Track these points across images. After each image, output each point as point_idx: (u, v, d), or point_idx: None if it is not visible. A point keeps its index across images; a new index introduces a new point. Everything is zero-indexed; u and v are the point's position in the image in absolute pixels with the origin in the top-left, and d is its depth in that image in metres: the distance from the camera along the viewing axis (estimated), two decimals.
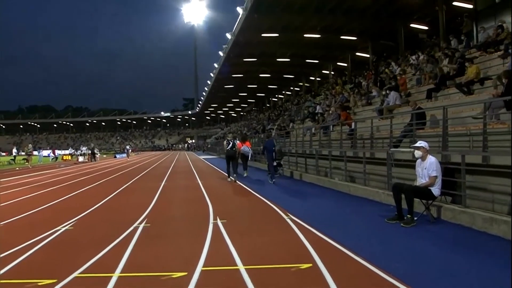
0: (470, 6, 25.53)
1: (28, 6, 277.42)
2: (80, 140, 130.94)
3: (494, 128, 10.21)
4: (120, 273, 5.94)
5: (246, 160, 21.97)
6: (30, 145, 44.46)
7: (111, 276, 5.76)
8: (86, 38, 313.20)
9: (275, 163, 18.94)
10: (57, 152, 62.28)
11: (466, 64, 16.20)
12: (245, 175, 21.40)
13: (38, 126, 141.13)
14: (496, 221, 7.51)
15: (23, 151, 52.94)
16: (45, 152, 59.32)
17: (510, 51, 14.86)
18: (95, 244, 7.53)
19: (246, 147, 20.81)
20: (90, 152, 53.81)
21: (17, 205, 13.22)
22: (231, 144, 19.84)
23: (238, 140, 21.34)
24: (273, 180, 18.36)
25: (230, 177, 19.87)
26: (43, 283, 5.57)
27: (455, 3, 26.79)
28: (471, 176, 9.29)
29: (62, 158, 56.84)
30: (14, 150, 56.10)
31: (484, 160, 8.91)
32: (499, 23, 18.48)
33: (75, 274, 5.89)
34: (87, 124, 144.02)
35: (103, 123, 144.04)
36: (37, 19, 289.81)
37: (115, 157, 62.61)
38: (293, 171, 21.86)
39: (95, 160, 50.07)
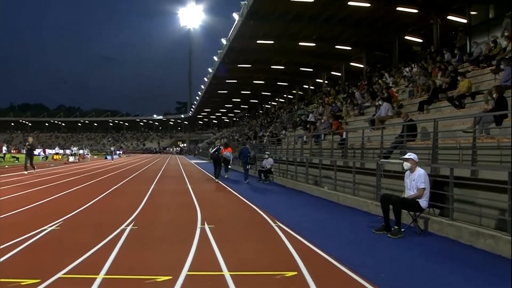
0: (464, 21, 25.75)
1: (24, 9, 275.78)
2: (71, 140, 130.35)
3: (484, 142, 10.26)
4: (105, 275, 5.88)
5: (227, 163, 24.87)
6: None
7: (96, 278, 5.70)
8: (81, 41, 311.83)
9: (249, 166, 23.18)
10: (48, 151, 61.86)
11: (459, 78, 16.30)
12: (226, 176, 24.60)
13: (30, 124, 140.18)
14: (482, 235, 7.53)
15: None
16: (35, 151, 58.96)
17: (501, 66, 14.97)
18: (81, 245, 7.47)
19: (227, 152, 23.92)
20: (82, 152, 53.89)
21: (3, 203, 13.04)
22: (215, 149, 24.05)
23: (222, 147, 24.67)
24: (247, 180, 21.83)
25: (216, 179, 22.49)
26: (26, 283, 5.50)
27: (449, 17, 27.04)
28: (459, 190, 9.32)
29: (52, 158, 56.53)
30: (4, 148, 55.84)
31: (473, 174, 8.95)
32: (492, 39, 18.62)
33: (59, 274, 5.82)
34: (79, 124, 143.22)
35: (95, 124, 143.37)
36: (33, 22, 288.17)
37: (106, 158, 62.31)
38: (283, 178, 21.89)
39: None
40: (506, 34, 17.63)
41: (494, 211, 8.68)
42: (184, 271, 6.03)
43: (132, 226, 9.41)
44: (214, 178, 23.01)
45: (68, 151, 60.01)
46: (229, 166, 25.75)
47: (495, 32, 21.11)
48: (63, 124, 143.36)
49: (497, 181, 8.00)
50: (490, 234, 7.40)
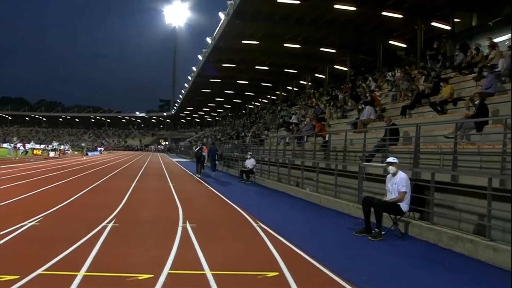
0: (448, 28, 26.00)
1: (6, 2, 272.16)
2: (52, 135, 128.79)
3: (464, 148, 10.38)
4: (86, 272, 5.86)
5: (205, 161, 26.85)
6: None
7: (76, 275, 5.67)
8: (64, 35, 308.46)
9: (216, 162, 27.49)
10: (28, 146, 61.02)
11: (441, 84, 16.47)
12: (212, 174, 25.79)
13: (10, 118, 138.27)
14: (461, 239, 7.64)
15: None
16: (11, 145, 57.95)
17: (483, 73, 15.16)
18: (61, 241, 7.41)
19: (204, 152, 26.55)
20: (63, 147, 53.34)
21: None
22: (198, 148, 27.60)
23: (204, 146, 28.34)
24: (214, 173, 25.53)
25: (199, 173, 25.36)
26: (4, 278, 5.44)
27: (433, 24, 27.29)
28: (440, 194, 9.44)
29: (32, 153, 55.84)
30: None
31: (453, 179, 9.06)
32: (475, 46, 18.84)
33: (39, 271, 5.78)
34: (60, 119, 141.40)
35: (77, 120, 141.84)
36: (15, 14, 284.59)
37: (87, 154, 61.72)
38: (265, 179, 21.92)
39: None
40: (487, 42, 17.85)
41: (473, 216, 8.81)
42: (166, 270, 6.03)
43: (114, 223, 9.38)
44: (196, 174, 25.38)
45: (49, 147, 59.18)
46: (205, 164, 27.28)
47: (478, 39, 21.36)
48: (44, 119, 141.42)
49: (477, 187, 8.11)
50: (469, 239, 7.51)
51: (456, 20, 25.84)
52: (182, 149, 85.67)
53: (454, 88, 15.70)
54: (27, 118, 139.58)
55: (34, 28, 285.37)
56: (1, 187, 15.72)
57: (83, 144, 69.01)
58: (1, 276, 5.52)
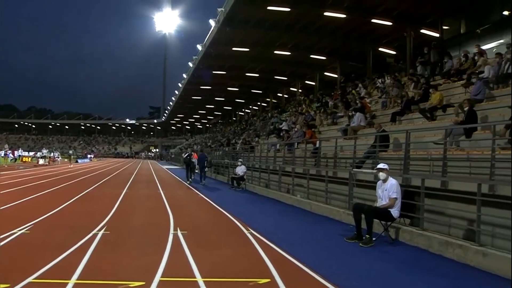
0: (437, 35, 26.24)
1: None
2: (41, 142, 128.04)
3: (454, 154, 10.46)
4: (77, 279, 5.83)
5: (195, 167, 27.44)
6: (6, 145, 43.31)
7: (67, 283, 5.64)
8: (55, 41, 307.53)
9: (206, 169, 27.40)
10: (17, 153, 60.64)
11: (430, 90, 16.58)
12: (202, 182, 25.57)
13: None
14: (451, 245, 7.69)
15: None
16: (1, 152, 57.62)
17: (473, 80, 15.29)
18: (51, 249, 7.37)
19: (193, 158, 27.16)
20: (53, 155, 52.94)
21: None
22: (187, 154, 28.06)
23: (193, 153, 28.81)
24: (203, 182, 25.26)
25: (189, 180, 25.90)
26: None
27: (422, 31, 27.51)
28: (430, 200, 9.49)
29: (22, 160, 55.54)
30: None
31: (443, 184, 9.12)
32: (463, 53, 19.01)
33: (30, 279, 5.74)
34: (50, 126, 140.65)
35: (67, 127, 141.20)
36: (4, 21, 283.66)
37: (77, 161, 61.43)
38: (256, 186, 21.91)
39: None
40: (476, 50, 18.02)
41: (462, 222, 8.88)
42: (157, 277, 6.01)
43: (104, 230, 9.33)
44: (186, 181, 25.96)
45: (38, 154, 58.86)
46: (196, 171, 27.91)
47: (466, 46, 21.58)
48: (33, 126, 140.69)
49: (466, 192, 8.17)
50: (459, 244, 7.56)
51: (444, 27, 26.14)
52: (173, 156, 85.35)
53: (444, 95, 15.82)
54: (16, 125, 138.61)
55: (22, 33, 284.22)
56: None
57: (70, 152, 68.16)
58: None
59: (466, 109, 11.94)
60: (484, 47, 18.65)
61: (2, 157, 53.13)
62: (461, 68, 18.02)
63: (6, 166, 41.39)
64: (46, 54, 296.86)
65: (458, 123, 11.81)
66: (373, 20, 27.17)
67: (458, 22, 25.84)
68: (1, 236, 8.26)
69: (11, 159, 53.27)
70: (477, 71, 16.06)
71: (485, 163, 8.48)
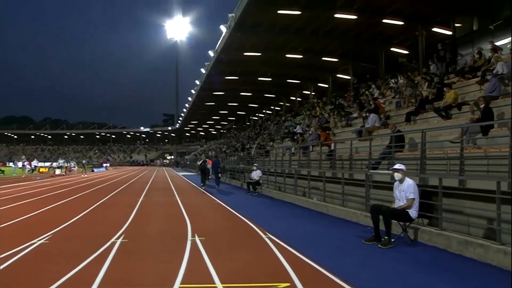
0: (449, 33, 26.06)
1: (9, 17, 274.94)
2: (57, 152, 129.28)
3: (471, 152, 10.38)
4: None
5: (209, 173, 27.57)
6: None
7: None
8: (68, 52, 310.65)
9: (220, 175, 28.02)
10: (33, 163, 61.18)
11: (445, 89, 16.45)
12: (217, 188, 26.30)
13: (15, 137, 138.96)
14: (471, 244, 7.61)
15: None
16: (19, 164, 58.20)
17: (487, 77, 15.16)
18: (71, 258, 7.41)
19: (208, 165, 27.37)
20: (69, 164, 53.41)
21: None
22: (202, 161, 28.16)
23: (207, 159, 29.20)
24: (218, 186, 26.15)
25: (203, 185, 26.03)
26: None
27: (434, 29, 27.33)
28: (448, 199, 9.39)
29: (39, 170, 56.03)
30: None
31: (461, 183, 9.04)
32: (477, 50, 18.86)
33: None
34: (65, 136, 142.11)
35: (82, 136, 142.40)
36: (20, 30, 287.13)
37: (93, 170, 61.84)
38: (272, 190, 21.89)
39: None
40: (490, 46, 17.88)
41: (482, 220, 8.76)
42: (177, 284, 6.03)
43: (123, 238, 9.36)
44: (201, 186, 26.13)
45: (54, 164, 59.36)
46: (211, 177, 28.21)
47: (479, 44, 21.41)
48: (49, 136, 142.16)
49: (485, 191, 8.07)
50: (479, 243, 7.47)
51: (457, 25, 25.93)
52: (188, 162, 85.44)
53: (458, 93, 15.70)
54: (32, 137, 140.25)
55: (32, 44, 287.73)
56: (9, 206, 15.79)
57: (83, 161, 68.27)
58: None
59: (482, 106, 11.85)
60: (498, 43, 18.50)
61: (20, 168, 53.67)
62: (475, 66, 17.88)
63: (24, 177, 41.83)
64: (59, 65, 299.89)
65: (474, 121, 11.69)
66: (384, 20, 27.10)
67: (470, 19, 25.66)
68: (21, 247, 8.33)
69: (28, 170, 53.77)
70: (491, 68, 15.93)
71: (503, 161, 8.39)
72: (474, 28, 25.33)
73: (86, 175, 46.68)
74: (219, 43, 35.99)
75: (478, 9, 24.61)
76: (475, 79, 16.70)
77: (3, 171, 47.77)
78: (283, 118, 49.89)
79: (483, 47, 19.31)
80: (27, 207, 15.44)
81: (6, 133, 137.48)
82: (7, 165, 71.01)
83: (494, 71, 15.08)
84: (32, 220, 12.52)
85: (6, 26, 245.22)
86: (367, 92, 27.60)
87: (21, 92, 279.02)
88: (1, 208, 15.09)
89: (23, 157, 48.59)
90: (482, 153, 9.97)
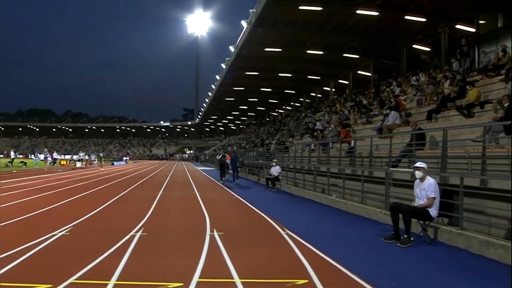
0: (473, 30, 25.69)
1: (33, 13, 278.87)
2: (78, 145, 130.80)
3: (493, 152, 10.25)
4: (116, 280, 5.95)
5: (228, 167, 29.20)
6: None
7: (107, 284, 5.78)
8: (90, 47, 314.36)
9: (239, 169, 29.13)
10: (55, 156, 62.03)
11: (467, 87, 16.25)
12: (235, 182, 27.44)
13: (37, 129, 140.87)
14: (492, 245, 7.53)
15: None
16: (41, 156, 59.03)
17: (511, 75, 14.94)
18: (91, 251, 7.54)
19: (227, 159, 29.01)
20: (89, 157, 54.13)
21: (13, 208, 13.18)
22: (221, 155, 30.09)
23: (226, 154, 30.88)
24: (237, 181, 27.40)
25: (222, 179, 27.57)
26: (38, 287, 5.56)
27: (458, 26, 26.98)
28: (469, 199, 9.29)
29: (60, 163, 56.79)
30: (12, 153, 56.20)
31: (482, 183, 8.94)
32: (501, 48, 18.58)
33: (71, 280, 5.89)
34: (86, 130, 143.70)
35: (102, 130, 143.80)
36: (42, 26, 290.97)
37: (113, 164, 62.46)
38: (291, 186, 21.89)
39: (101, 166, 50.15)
40: None
41: (503, 221, 8.66)
42: (195, 278, 6.08)
43: (142, 232, 9.48)
44: (220, 181, 27.49)
45: (75, 157, 60.12)
46: (230, 171, 29.69)
47: (503, 41, 21.07)
48: (70, 129, 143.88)
49: (507, 191, 7.97)
50: (501, 244, 7.39)
51: (481, 22, 25.51)
52: (207, 157, 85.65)
53: (481, 91, 15.51)
54: (54, 129, 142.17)
55: (55, 41, 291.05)
56: (30, 198, 16.09)
57: (101, 154, 68.54)
58: (35, 285, 5.66)
59: (505, 105, 11.69)
60: None
61: (42, 160, 54.46)
62: (499, 63, 17.62)
63: (46, 169, 42.45)
64: (81, 60, 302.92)
65: (498, 119, 11.55)
66: (406, 17, 26.86)
67: (495, 16, 25.21)
68: (43, 238, 8.53)
69: (50, 162, 54.53)
70: None
71: None
72: (499, 25, 24.89)
73: (103, 168, 47.00)
74: (239, 38, 35.95)
75: (503, 6, 24.19)
76: (499, 77, 16.47)
77: (25, 163, 48.51)
78: (303, 114, 49.71)
79: (507, 44, 19.02)
80: (49, 199, 15.73)
81: (28, 126, 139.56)
82: (29, 157, 72.06)
83: None
84: (54, 212, 12.76)
85: (29, 24, 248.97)
86: (388, 89, 27.38)
87: (44, 86, 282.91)
88: (23, 200, 15.39)
89: (45, 149, 49.21)
90: (505, 153, 9.82)
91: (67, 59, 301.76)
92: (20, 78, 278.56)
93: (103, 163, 55.09)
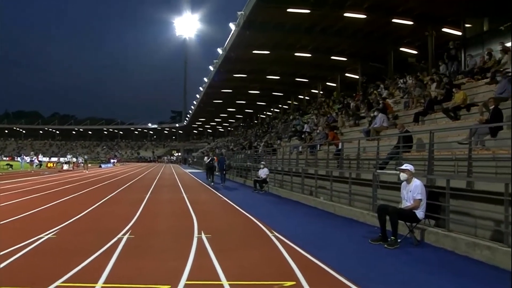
0: (459, 33, 25.94)
1: (33, 13, 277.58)
2: (65, 147, 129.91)
3: (479, 154, 10.32)
4: (103, 283, 5.91)
5: (215, 171, 28.89)
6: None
7: (94, 286, 5.74)
8: (76, 49, 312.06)
9: (225, 172, 28.93)
10: (40, 158, 61.56)
11: (454, 90, 16.38)
12: (222, 184, 27.27)
13: (24, 132, 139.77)
14: (478, 246, 7.58)
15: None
16: (27, 158, 58.55)
17: (497, 78, 15.07)
18: (78, 253, 7.48)
19: (215, 162, 29.19)
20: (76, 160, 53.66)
21: None
22: (210, 159, 29.88)
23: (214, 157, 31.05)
24: (224, 183, 27.24)
25: (211, 183, 27.09)
26: None
27: (444, 30, 27.23)
28: (455, 201, 9.35)
29: (46, 165, 56.38)
30: None
31: (468, 185, 9.00)
32: (487, 51, 18.75)
33: (57, 283, 5.84)
34: (73, 132, 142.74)
35: (90, 132, 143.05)
36: (42, 26, 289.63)
37: (101, 166, 62.13)
38: (279, 188, 21.90)
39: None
40: (500, 48, 17.78)
41: (489, 222, 8.74)
42: (183, 280, 6.05)
43: (129, 235, 9.42)
44: (210, 183, 27.06)
45: (62, 159, 59.73)
46: (217, 173, 29.34)
47: (489, 44, 21.28)
48: (57, 131, 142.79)
49: (493, 193, 8.05)
50: (487, 245, 7.44)
51: (467, 25, 25.78)
52: (195, 159, 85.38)
53: (467, 94, 15.63)
54: (40, 132, 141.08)
55: (43, 40, 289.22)
56: (16, 200, 15.93)
57: (85, 157, 67.61)
58: None
59: (491, 107, 11.79)
60: (508, 44, 18.36)
61: (28, 163, 54.04)
62: (485, 66, 17.78)
63: (32, 172, 42.12)
64: (66, 61, 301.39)
65: (483, 122, 11.65)
66: (394, 20, 27.06)
67: (481, 20, 25.47)
68: (29, 241, 8.42)
69: (36, 165, 54.13)
70: (501, 69, 15.84)
71: None
72: (485, 29, 25.14)
73: (87, 171, 45.87)
74: (228, 40, 36.04)
75: (489, 10, 24.42)
76: (485, 80, 16.62)
77: (11, 166, 48.12)
78: (291, 117, 49.78)
79: (493, 48, 19.20)
80: (35, 202, 15.59)
81: (14, 128, 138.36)
82: (16, 159, 71.47)
83: (506, 70, 14.98)
84: (40, 214, 12.65)
85: (15, 25, 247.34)
86: (375, 92, 27.53)
87: (30, 88, 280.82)
88: (9, 202, 15.21)
89: (32, 152, 48.78)
90: (490, 155, 9.92)
91: (51, 60, 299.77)
92: (6, 79, 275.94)
93: (88, 165, 54.39)
